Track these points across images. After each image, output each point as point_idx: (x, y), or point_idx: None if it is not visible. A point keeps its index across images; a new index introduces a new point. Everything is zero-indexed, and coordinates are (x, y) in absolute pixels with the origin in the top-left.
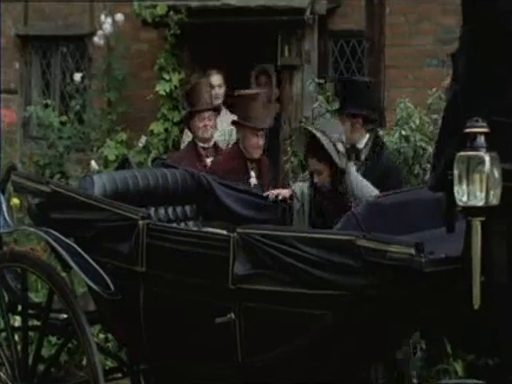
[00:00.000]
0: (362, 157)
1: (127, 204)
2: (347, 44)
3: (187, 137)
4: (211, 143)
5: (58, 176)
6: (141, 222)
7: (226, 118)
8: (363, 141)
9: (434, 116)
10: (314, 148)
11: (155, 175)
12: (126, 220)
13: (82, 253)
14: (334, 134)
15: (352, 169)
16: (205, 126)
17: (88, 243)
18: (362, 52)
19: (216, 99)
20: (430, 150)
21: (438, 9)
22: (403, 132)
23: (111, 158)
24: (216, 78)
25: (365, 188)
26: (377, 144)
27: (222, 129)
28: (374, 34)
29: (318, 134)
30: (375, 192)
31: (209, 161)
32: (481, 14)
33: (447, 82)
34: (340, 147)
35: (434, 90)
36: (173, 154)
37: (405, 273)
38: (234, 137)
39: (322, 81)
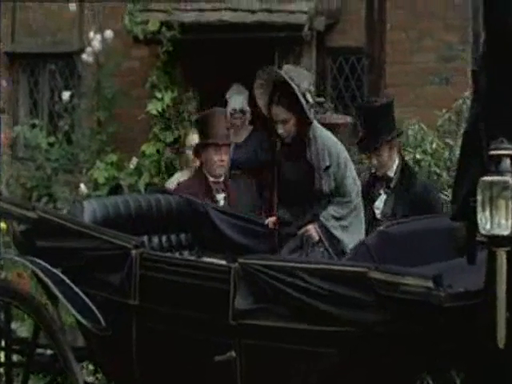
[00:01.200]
0: (392, 184)
1: (119, 232)
2: (346, 61)
3: (192, 140)
4: (222, 178)
5: (45, 199)
6: (134, 252)
7: None
8: (394, 167)
9: (448, 140)
10: (283, 95)
11: (148, 201)
12: (118, 249)
13: (71, 284)
14: (303, 83)
15: (318, 129)
16: (221, 160)
17: (77, 274)
18: (362, 69)
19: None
20: (445, 176)
21: (441, 25)
22: (417, 156)
23: (101, 180)
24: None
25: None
26: (406, 169)
27: None
28: (374, 51)
29: (290, 80)
30: (327, 163)
31: (220, 197)
32: (503, 29)
33: (458, 102)
34: (309, 97)
35: (444, 111)
36: (184, 182)
37: (421, 308)
38: None
39: (321, 99)
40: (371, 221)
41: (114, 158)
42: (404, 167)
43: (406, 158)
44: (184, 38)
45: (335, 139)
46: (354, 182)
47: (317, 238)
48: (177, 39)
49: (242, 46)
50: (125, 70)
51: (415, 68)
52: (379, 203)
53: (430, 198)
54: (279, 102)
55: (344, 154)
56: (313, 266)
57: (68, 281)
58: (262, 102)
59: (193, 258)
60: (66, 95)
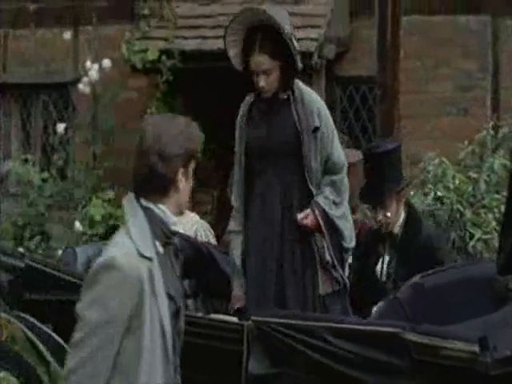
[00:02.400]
0: (397, 242)
1: None
2: (357, 91)
3: None
4: None
5: (38, 237)
6: None
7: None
8: (399, 221)
9: (471, 174)
10: (265, 39)
11: None
12: None
13: (63, 343)
14: (286, 25)
15: (300, 83)
16: None
17: (69, 331)
18: (374, 99)
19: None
20: (468, 214)
21: (458, 52)
22: (439, 193)
23: (97, 218)
24: None
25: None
26: (411, 218)
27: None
28: (386, 80)
29: (277, 21)
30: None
31: None
32: None
33: (482, 134)
34: (295, 43)
35: (466, 143)
36: None
37: (464, 375)
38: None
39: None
40: (373, 283)
41: (110, 194)
42: (409, 216)
43: (430, 196)
44: (185, 67)
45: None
46: (342, 155)
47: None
48: (177, 68)
49: (246, 76)
50: (122, 100)
51: (431, 98)
52: (381, 266)
53: (435, 252)
54: (261, 49)
55: (331, 118)
56: (338, 325)
57: (60, 340)
58: (233, 52)
59: (199, 313)
60: (60, 128)
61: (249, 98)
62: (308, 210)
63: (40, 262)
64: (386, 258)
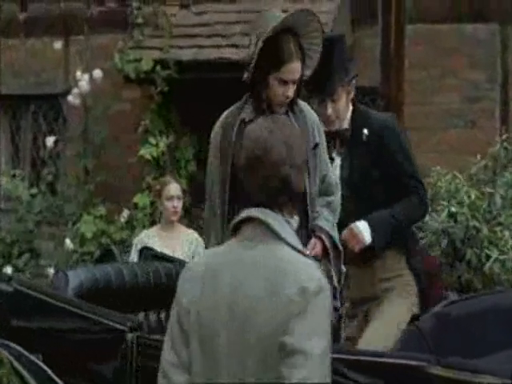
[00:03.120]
0: (347, 140)
1: (111, 308)
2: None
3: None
4: None
5: (27, 254)
6: (130, 335)
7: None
8: (347, 117)
9: (487, 189)
10: (298, 46)
11: (145, 270)
12: (111, 332)
13: (52, 375)
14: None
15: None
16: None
17: (60, 362)
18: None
19: (174, 215)
20: (485, 231)
21: (465, 62)
22: (453, 209)
23: (88, 235)
24: (175, 188)
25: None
26: (357, 115)
27: (183, 252)
28: (390, 91)
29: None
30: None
31: None
32: None
33: (495, 148)
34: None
35: (479, 157)
36: None
37: None
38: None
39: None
40: None
41: (102, 210)
42: (355, 111)
43: (443, 213)
44: (180, 78)
45: None
46: (333, 175)
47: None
48: (172, 79)
49: (244, 87)
50: (115, 113)
51: (437, 110)
52: (333, 171)
53: (385, 140)
54: (297, 54)
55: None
56: (356, 357)
57: (49, 371)
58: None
59: None
60: (50, 141)
61: (234, 112)
62: (313, 240)
63: (29, 286)
64: (338, 162)
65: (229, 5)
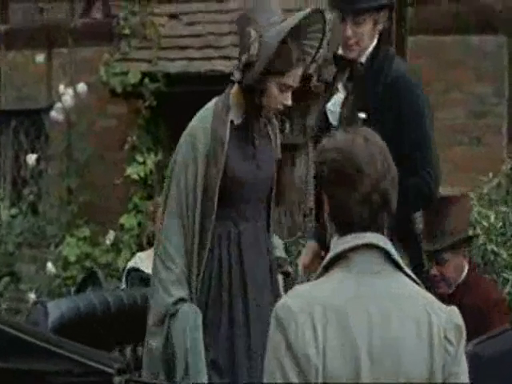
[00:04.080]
0: (358, 73)
1: (96, 342)
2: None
3: None
4: None
5: (7, 278)
6: (117, 379)
7: None
8: (368, 51)
9: (502, 208)
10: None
11: (133, 298)
12: (96, 374)
13: None
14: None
15: None
16: None
17: None
18: None
19: None
20: (505, 255)
21: (471, 75)
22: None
23: (71, 258)
24: None
25: None
26: (381, 52)
27: None
28: None
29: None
30: None
31: None
32: None
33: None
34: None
35: (491, 175)
36: None
37: None
38: None
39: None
40: (322, 129)
41: (86, 231)
42: (377, 53)
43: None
44: (169, 91)
45: None
46: None
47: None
48: (161, 92)
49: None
50: (100, 129)
51: (440, 126)
52: (334, 104)
53: (400, 94)
54: (302, 60)
55: None
56: None
57: None
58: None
59: None
60: (31, 159)
61: (218, 111)
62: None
63: (3, 322)
64: (341, 96)
65: (221, 15)
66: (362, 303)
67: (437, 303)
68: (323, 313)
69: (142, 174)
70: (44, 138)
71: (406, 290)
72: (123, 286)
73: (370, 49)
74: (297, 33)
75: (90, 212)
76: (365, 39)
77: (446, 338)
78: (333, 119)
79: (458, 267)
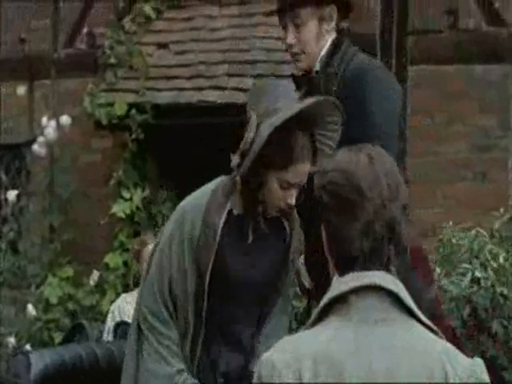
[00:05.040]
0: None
1: None
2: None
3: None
4: None
5: None
6: None
7: None
8: (322, 53)
9: None
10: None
11: (122, 350)
12: None
13: None
14: None
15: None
16: None
17: None
18: None
19: None
20: None
21: (475, 106)
22: (477, 273)
23: (53, 300)
24: None
25: None
26: (338, 47)
27: None
28: None
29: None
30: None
31: None
32: None
33: None
34: None
35: (502, 210)
36: None
37: None
38: None
39: None
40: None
41: (69, 271)
42: (335, 50)
43: (466, 278)
44: (158, 123)
45: None
46: None
47: None
48: (149, 124)
49: (230, 133)
50: (84, 164)
51: (443, 160)
52: None
53: (360, 87)
54: (309, 155)
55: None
56: None
57: None
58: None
59: None
60: (11, 195)
61: (215, 198)
62: None
63: None
64: None
65: (212, 43)
66: (362, 358)
67: (456, 355)
68: (313, 368)
69: (128, 211)
70: (25, 173)
71: (418, 340)
72: (106, 332)
73: (324, 52)
74: (305, 122)
75: (73, 251)
76: (311, 43)
77: None
78: None
79: None
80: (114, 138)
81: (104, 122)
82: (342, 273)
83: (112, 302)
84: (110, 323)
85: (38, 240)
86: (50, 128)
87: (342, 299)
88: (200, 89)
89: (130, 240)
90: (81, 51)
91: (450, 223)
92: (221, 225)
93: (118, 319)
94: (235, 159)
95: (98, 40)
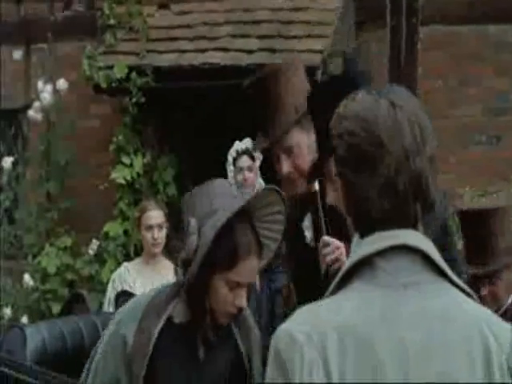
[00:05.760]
0: None
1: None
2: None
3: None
4: None
5: None
6: None
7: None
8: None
9: None
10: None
11: None
12: None
13: None
14: None
15: None
16: None
17: None
18: None
19: (154, 247)
20: None
21: (489, 68)
22: None
23: (51, 270)
24: (156, 215)
25: None
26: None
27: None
28: None
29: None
30: None
31: None
32: None
33: None
34: None
35: None
36: None
37: None
38: None
39: None
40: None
41: (67, 241)
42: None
43: None
44: (159, 87)
45: None
46: None
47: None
48: (150, 88)
49: (235, 96)
50: (82, 129)
51: (456, 124)
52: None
53: None
54: (256, 249)
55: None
56: None
57: None
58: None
59: None
60: (7, 162)
61: (157, 300)
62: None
63: None
64: (309, 236)
65: (215, 3)
66: (392, 328)
67: (497, 321)
68: (339, 342)
69: (129, 178)
70: (21, 139)
71: (454, 306)
72: (107, 303)
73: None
74: (247, 217)
75: (71, 220)
76: (305, 159)
77: (511, 368)
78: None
79: (508, 286)
80: (113, 102)
81: (103, 85)
82: (361, 235)
83: (112, 271)
84: (110, 293)
85: (35, 209)
86: (45, 93)
87: (366, 262)
88: (203, 50)
89: (131, 208)
90: (78, 13)
91: (467, 189)
92: (155, 335)
93: (119, 289)
94: (179, 272)
95: (97, 1)
